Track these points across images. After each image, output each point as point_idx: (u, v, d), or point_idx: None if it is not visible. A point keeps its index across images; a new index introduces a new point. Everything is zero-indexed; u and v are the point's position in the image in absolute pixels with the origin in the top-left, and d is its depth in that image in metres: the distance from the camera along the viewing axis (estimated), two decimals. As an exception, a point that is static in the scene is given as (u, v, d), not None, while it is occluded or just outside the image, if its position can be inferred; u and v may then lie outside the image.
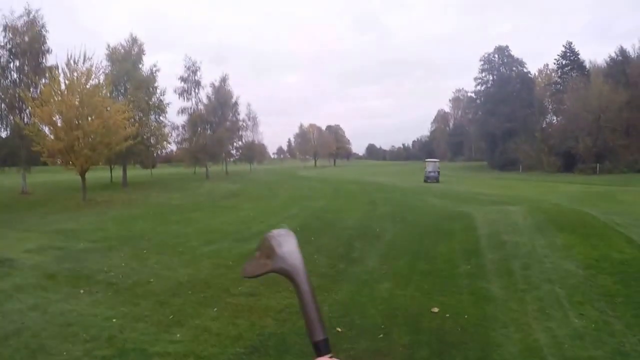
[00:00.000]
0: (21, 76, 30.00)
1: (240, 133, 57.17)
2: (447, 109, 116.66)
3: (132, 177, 40.28)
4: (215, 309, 7.01)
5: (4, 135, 30.89)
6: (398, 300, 7.23)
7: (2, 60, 29.60)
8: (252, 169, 65.30)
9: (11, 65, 30.01)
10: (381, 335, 5.82)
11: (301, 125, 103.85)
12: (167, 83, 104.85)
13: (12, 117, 29.20)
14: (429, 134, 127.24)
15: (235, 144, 56.71)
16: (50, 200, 25.31)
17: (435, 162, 43.64)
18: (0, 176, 45.47)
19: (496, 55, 69.80)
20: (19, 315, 6.87)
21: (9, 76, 30.06)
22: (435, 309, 6.65)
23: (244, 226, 14.96)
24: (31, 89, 28.67)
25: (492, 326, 6.07)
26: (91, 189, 26.26)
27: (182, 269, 9.45)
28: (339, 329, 6.00)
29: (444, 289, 7.70)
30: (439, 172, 41.10)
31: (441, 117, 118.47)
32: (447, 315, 6.48)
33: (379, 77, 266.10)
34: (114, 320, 6.60)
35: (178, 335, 6.07)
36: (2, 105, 29.74)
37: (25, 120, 27.81)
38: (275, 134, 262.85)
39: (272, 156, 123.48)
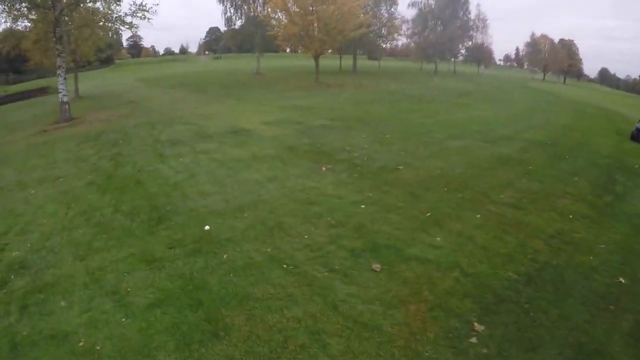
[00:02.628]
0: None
1: (470, 33, 53.08)
2: None
3: (360, 66, 41.07)
4: (478, 216, 5.60)
5: (238, 23, 33.38)
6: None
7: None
8: (479, 72, 61.38)
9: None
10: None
11: (532, 34, 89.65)
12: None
13: (245, 7, 31.17)
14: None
15: (464, 44, 53.23)
16: (282, 80, 26.64)
17: None
18: (237, 60, 51.96)
19: None
20: (256, 186, 6.39)
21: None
22: None
23: (487, 127, 13.04)
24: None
25: None
26: (321, 73, 26.86)
27: (431, 161, 8.15)
28: (622, 280, 4.46)
29: None
30: None
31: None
32: None
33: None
34: (362, 206, 5.67)
35: (438, 238, 4.91)
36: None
37: (259, 9, 29.49)
38: (499, 41, 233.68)
39: (498, 62, 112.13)
